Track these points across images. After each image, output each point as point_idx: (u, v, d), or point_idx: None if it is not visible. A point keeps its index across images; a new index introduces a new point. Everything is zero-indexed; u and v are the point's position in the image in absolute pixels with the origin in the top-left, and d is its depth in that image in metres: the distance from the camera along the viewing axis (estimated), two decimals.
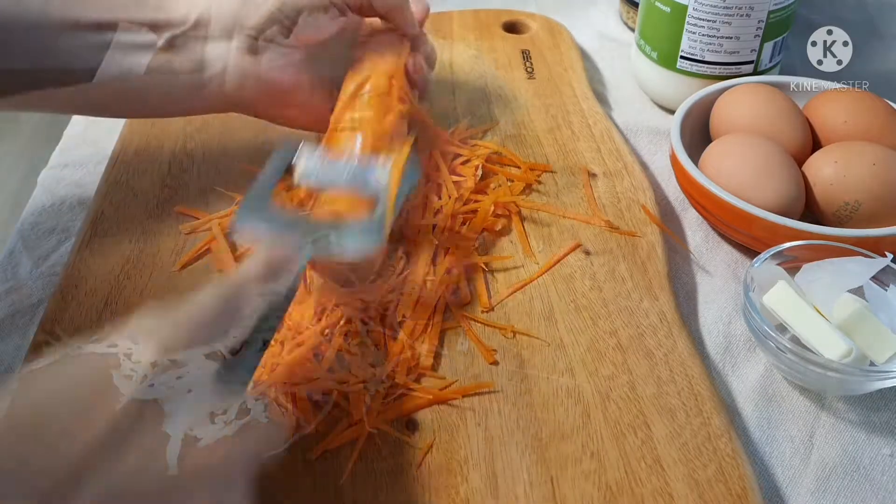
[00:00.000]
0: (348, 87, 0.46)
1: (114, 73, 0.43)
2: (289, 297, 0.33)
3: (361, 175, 0.41)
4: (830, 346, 0.37)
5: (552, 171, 0.52)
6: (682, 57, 0.56)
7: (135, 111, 0.49)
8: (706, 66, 0.56)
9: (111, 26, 0.43)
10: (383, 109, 0.45)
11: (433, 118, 0.55)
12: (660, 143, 0.57)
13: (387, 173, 0.40)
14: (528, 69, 0.62)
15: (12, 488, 0.23)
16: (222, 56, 0.44)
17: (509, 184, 0.50)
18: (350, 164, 0.42)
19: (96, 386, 0.26)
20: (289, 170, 0.41)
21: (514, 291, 0.43)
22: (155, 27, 0.43)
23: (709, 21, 0.54)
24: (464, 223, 0.47)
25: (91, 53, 0.42)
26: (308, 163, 0.41)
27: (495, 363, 0.40)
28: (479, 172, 0.50)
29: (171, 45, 0.44)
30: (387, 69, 0.46)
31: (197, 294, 0.30)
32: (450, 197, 0.47)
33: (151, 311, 0.29)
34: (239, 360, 0.30)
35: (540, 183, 0.51)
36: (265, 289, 0.32)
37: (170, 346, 0.28)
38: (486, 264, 0.45)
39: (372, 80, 0.45)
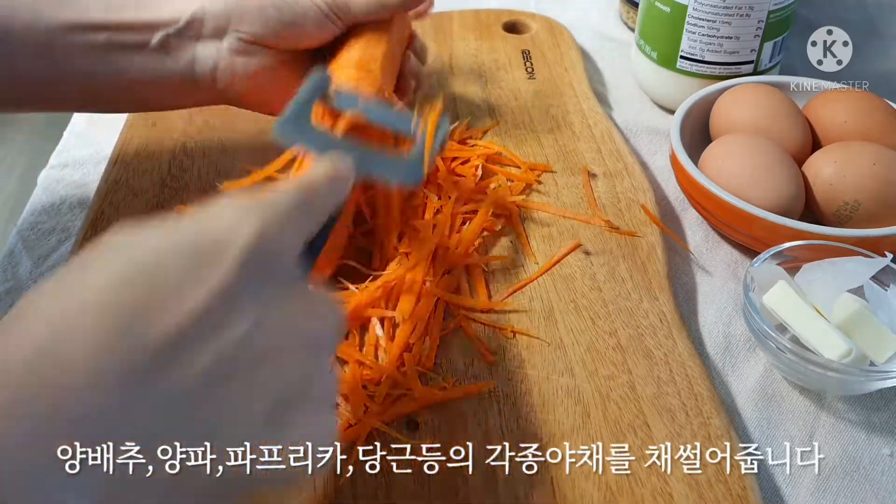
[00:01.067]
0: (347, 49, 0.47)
1: (108, 72, 0.44)
2: (335, 217, 0.32)
3: (399, 117, 0.42)
4: (830, 346, 0.37)
5: (552, 171, 0.52)
6: (681, 57, 0.56)
7: (129, 107, 0.51)
8: (706, 66, 0.56)
9: (104, 27, 0.43)
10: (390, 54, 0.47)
11: None
12: (660, 143, 0.57)
13: (420, 120, 0.41)
14: (529, 69, 0.62)
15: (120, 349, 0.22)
16: (213, 55, 0.45)
17: (509, 184, 0.50)
18: (388, 105, 0.43)
19: (205, 249, 0.25)
20: (324, 96, 0.41)
21: (514, 291, 0.43)
22: (148, 27, 0.44)
23: (709, 21, 0.54)
24: (464, 223, 0.47)
25: (84, 54, 0.43)
26: (347, 96, 0.41)
27: (495, 363, 0.40)
28: (479, 172, 0.50)
29: (163, 45, 0.44)
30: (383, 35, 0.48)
31: (277, 190, 0.29)
32: (450, 197, 0.47)
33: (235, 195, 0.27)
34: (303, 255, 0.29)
35: (540, 183, 0.51)
36: (336, 189, 0.31)
37: (272, 224, 0.26)
38: (486, 264, 0.45)
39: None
